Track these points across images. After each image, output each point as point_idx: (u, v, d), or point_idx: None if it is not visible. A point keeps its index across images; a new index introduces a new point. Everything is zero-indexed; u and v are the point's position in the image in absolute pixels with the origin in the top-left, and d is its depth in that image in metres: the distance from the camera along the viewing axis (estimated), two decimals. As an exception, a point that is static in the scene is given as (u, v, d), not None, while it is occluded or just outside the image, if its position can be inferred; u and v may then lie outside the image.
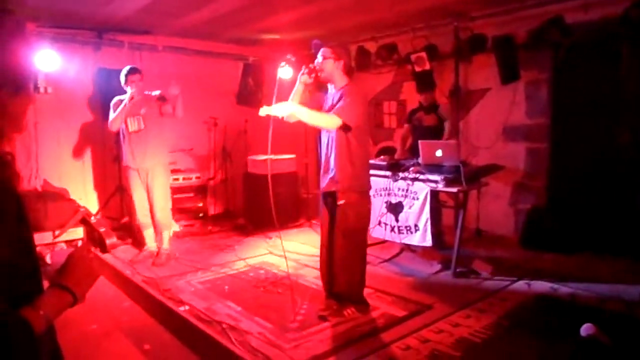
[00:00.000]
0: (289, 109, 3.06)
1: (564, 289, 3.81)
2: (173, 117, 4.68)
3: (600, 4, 4.44)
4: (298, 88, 3.29)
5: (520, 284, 3.96)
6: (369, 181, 3.42)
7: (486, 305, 3.54)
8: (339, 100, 3.18)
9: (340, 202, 3.22)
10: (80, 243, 4.80)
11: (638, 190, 4.50)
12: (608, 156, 4.68)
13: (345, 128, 3.13)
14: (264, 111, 3.09)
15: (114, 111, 4.65)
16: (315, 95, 3.44)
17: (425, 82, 5.31)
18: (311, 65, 3.24)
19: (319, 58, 3.26)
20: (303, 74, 3.24)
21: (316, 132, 6.58)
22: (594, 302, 3.54)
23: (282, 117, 3.13)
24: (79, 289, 1.06)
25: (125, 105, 4.57)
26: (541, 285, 3.89)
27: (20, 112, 1.01)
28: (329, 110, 3.23)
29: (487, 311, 3.43)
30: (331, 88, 3.36)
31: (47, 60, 5.17)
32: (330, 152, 3.29)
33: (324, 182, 3.37)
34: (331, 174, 3.27)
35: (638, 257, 4.27)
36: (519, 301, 3.60)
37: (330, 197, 3.36)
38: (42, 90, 5.43)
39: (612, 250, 4.48)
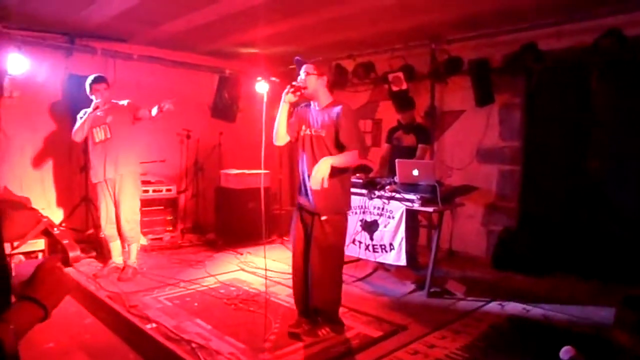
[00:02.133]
0: (327, 168, 2.92)
1: (536, 310, 3.83)
2: (149, 119, 4.55)
3: (573, 32, 4.58)
4: (283, 107, 3.23)
5: (494, 305, 3.96)
6: (350, 200, 3.39)
7: (461, 326, 3.51)
8: (335, 121, 3.11)
9: (323, 217, 3.15)
10: (41, 255, 4.56)
11: (606, 214, 4.61)
12: (578, 179, 4.80)
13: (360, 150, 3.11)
14: (314, 184, 2.93)
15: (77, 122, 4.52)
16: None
17: (403, 101, 5.34)
18: (295, 83, 3.17)
19: (302, 75, 3.19)
20: (288, 92, 3.16)
21: (290, 148, 6.60)
22: (566, 323, 3.56)
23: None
24: (50, 302, 0.97)
25: (88, 115, 4.42)
26: (514, 307, 3.91)
27: None
28: (313, 120, 3.22)
29: (462, 332, 3.40)
30: (314, 105, 3.29)
31: (13, 63, 4.97)
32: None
33: (304, 199, 3.28)
34: (314, 193, 3.14)
35: (607, 279, 4.35)
36: (493, 322, 3.58)
37: (308, 213, 3.28)
38: (7, 94, 5.22)
39: (581, 272, 4.56)
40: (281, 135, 3.30)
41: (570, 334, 3.34)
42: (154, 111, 4.46)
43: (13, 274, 1.02)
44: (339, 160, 3.01)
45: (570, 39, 4.60)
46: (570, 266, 4.67)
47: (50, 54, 5.52)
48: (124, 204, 4.58)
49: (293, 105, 3.31)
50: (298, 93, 3.15)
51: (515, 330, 3.49)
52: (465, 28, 5.16)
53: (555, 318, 3.67)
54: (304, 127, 3.29)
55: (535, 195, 5.12)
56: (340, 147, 3.09)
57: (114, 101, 4.62)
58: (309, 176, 3.08)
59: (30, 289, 0.97)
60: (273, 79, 3.49)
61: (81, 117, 4.52)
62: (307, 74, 3.17)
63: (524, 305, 3.91)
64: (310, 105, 3.33)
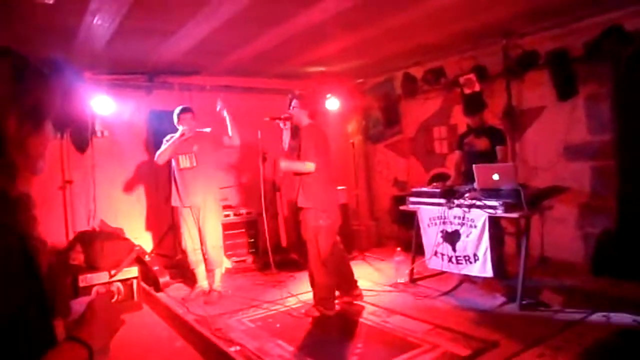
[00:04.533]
0: (283, 167, 4.24)
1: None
2: (232, 144, 4.87)
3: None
4: (285, 133, 4.34)
5: (597, 317, 3.59)
6: (325, 200, 4.11)
7: (560, 341, 3.21)
8: (300, 140, 4.19)
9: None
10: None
11: None
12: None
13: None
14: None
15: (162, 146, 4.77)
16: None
17: (472, 104, 5.09)
18: (283, 116, 4.28)
19: (292, 107, 4.25)
20: (282, 123, 4.30)
21: (365, 164, 6.60)
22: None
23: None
24: (97, 342, 0.95)
25: (174, 140, 4.66)
26: (622, 318, 3.51)
27: (36, 151, 0.96)
28: (295, 145, 4.28)
29: (563, 348, 3.10)
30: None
31: (103, 105, 5.41)
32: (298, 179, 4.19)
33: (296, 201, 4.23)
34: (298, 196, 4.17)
35: None
36: (599, 336, 3.24)
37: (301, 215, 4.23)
38: (99, 134, 5.68)
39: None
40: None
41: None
42: (233, 131, 4.82)
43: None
44: (290, 165, 4.22)
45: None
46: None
47: (133, 93, 5.93)
48: (208, 230, 4.76)
49: (291, 130, 4.34)
50: (287, 122, 4.30)
51: (625, 346, 3.12)
52: (538, 18, 4.82)
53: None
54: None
55: (635, 191, 4.61)
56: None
57: (199, 130, 4.84)
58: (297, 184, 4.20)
59: (77, 328, 0.97)
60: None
61: (167, 141, 4.78)
62: (294, 107, 4.24)
63: (634, 317, 3.50)
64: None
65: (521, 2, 4.32)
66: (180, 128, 4.72)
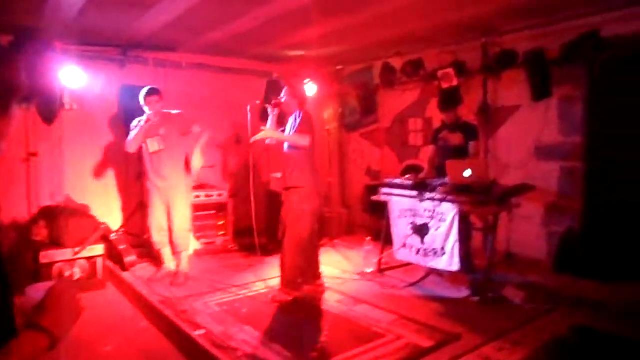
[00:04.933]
0: (269, 135, 4.19)
1: (604, 320, 3.54)
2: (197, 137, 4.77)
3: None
4: (271, 118, 4.32)
5: (557, 313, 3.70)
6: (311, 184, 4.17)
7: (520, 336, 3.30)
8: (295, 122, 4.16)
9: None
10: (100, 260, 4.73)
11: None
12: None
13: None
14: (253, 139, 4.25)
15: (131, 131, 4.66)
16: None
17: (449, 98, 5.12)
18: (274, 102, 4.34)
19: (283, 95, 4.32)
20: (272, 108, 4.33)
21: (340, 151, 6.59)
22: (638, 336, 3.27)
23: (266, 141, 4.30)
24: (58, 330, 0.92)
25: (141, 127, 4.55)
26: (580, 316, 3.63)
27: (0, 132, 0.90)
28: (291, 128, 4.21)
29: (522, 343, 3.19)
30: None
31: (73, 77, 5.21)
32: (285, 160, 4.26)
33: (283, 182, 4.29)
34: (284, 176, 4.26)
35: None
36: (557, 332, 3.34)
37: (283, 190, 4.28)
38: (67, 106, 5.48)
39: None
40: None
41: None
42: (202, 142, 4.78)
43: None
44: (282, 135, 4.21)
45: (637, 22, 4.23)
46: (641, 271, 4.30)
47: (106, 66, 5.73)
48: (176, 213, 4.70)
49: (278, 116, 4.35)
50: (277, 108, 4.34)
51: (580, 342, 3.23)
52: (518, 18, 4.87)
53: (626, 329, 3.37)
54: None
55: (601, 193, 4.74)
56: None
57: (166, 111, 4.73)
58: (282, 165, 4.31)
59: (38, 315, 0.93)
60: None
61: (134, 127, 4.66)
62: (284, 94, 4.29)
63: (591, 314, 3.63)
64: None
65: (502, 0, 4.34)
66: (147, 111, 4.60)
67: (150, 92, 4.64)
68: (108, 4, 4.27)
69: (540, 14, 4.76)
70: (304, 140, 4.03)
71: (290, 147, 4.18)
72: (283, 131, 4.37)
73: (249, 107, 4.76)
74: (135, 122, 4.70)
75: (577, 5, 4.46)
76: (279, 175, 6.18)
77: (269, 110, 4.35)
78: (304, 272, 4.25)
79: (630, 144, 4.54)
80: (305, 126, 4.10)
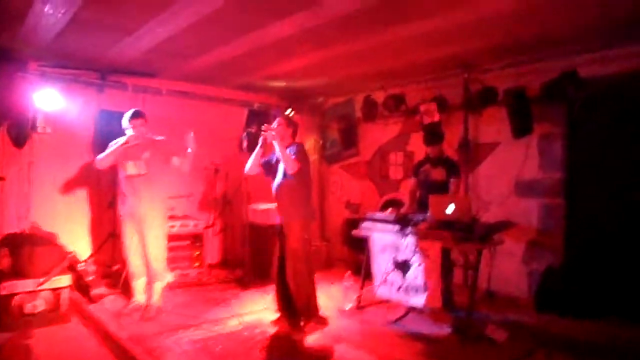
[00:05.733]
0: (274, 138, 4.09)
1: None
2: (180, 168, 4.63)
3: (619, 57, 4.33)
4: (261, 146, 4.29)
5: (540, 354, 3.61)
6: (309, 213, 4.31)
7: (505, 379, 3.20)
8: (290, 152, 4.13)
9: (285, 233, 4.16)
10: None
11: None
12: (629, 213, 4.44)
13: (298, 173, 4.06)
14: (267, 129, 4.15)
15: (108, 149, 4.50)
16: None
17: (433, 134, 5.13)
18: (271, 132, 4.16)
19: (275, 125, 4.26)
20: (264, 136, 4.19)
21: (319, 185, 6.52)
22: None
23: (268, 140, 4.17)
24: None
25: (118, 147, 4.40)
26: (563, 356, 3.55)
27: None
28: (277, 161, 4.24)
29: (507, 387, 3.08)
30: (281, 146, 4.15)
31: (48, 99, 5.06)
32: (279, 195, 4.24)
33: (278, 219, 4.28)
34: (280, 213, 4.24)
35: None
36: (541, 375, 3.25)
37: (280, 229, 4.26)
38: (40, 129, 5.29)
39: (636, 316, 4.16)
40: (254, 168, 4.38)
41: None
42: (188, 160, 4.62)
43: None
44: (284, 150, 4.06)
45: (616, 64, 4.34)
46: (622, 310, 4.27)
47: (83, 90, 5.59)
48: (150, 242, 4.51)
49: (266, 147, 4.30)
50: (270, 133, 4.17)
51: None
52: (500, 56, 4.95)
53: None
54: (274, 165, 4.32)
55: (581, 231, 4.76)
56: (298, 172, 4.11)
57: (150, 136, 4.60)
58: (275, 199, 4.29)
59: None
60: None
61: (111, 146, 4.50)
62: (279, 124, 4.25)
63: (573, 354, 3.55)
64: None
65: (486, 38, 4.42)
66: (128, 133, 4.46)
67: (136, 115, 4.51)
68: (88, 28, 4.18)
69: (519, 53, 4.85)
70: (293, 166, 4.03)
71: (288, 177, 4.13)
72: (268, 160, 4.37)
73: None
74: (113, 143, 4.53)
75: (556, 45, 4.57)
76: (260, 206, 6.07)
77: (266, 137, 4.22)
78: (314, 298, 4.25)
79: (609, 180, 4.60)
80: (301, 156, 4.13)
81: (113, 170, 4.82)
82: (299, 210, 4.14)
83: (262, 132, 4.19)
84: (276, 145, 4.09)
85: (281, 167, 4.20)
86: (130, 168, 4.50)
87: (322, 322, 4.22)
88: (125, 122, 4.50)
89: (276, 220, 5.65)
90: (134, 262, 4.54)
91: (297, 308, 4.11)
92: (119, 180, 4.60)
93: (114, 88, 5.77)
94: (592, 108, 4.58)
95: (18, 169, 5.22)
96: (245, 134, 6.24)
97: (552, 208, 4.99)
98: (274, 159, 4.32)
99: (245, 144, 6.13)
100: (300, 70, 5.65)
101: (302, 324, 4.12)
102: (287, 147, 4.16)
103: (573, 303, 4.47)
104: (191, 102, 6.43)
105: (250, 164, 4.35)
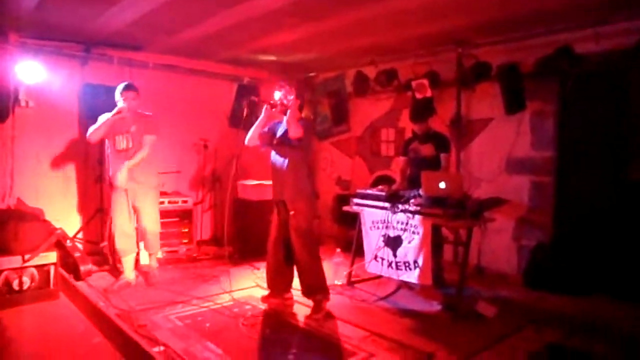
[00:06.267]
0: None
1: (575, 336, 3.50)
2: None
3: (612, 35, 4.26)
4: (263, 117, 4.10)
5: (529, 329, 3.64)
6: (313, 191, 4.32)
7: (494, 354, 3.22)
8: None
9: (291, 212, 3.97)
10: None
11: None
12: (619, 192, 4.45)
13: (299, 140, 3.92)
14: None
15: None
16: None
17: (422, 109, 5.01)
18: (272, 102, 4.13)
19: (280, 95, 4.16)
20: (267, 108, 4.09)
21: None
22: (611, 352, 3.23)
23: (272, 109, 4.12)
24: None
25: (108, 118, 4.30)
26: (552, 332, 3.58)
27: None
28: (284, 133, 4.03)
29: (496, 362, 3.10)
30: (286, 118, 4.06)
31: (29, 72, 4.91)
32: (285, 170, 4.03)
33: (280, 194, 4.07)
34: (285, 188, 4.02)
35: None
36: (531, 350, 3.27)
37: (282, 205, 4.07)
38: (22, 103, 5.15)
39: (623, 293, 4.20)
40: (253, 140, 4.12)
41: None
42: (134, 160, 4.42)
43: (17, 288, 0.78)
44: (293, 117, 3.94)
45: (610, 41, 4.28)
46: (610, 286, 4.32)
47: (66, 62, 5.43)
48: (146, 215, 4.53)
49: (269, 118, 4.14)
50: (275, 109, 4.10)
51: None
52: (494, 31, 4.87)
53: (598, 346, 3.34)
54: (276, 138, 4.14)
55: (571, 208, 4.77)
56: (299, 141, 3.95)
57: (140, 111, 4.53)
58: (278, 174, 4.08)
59: None
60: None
61: (100, 119, 4.40)
62: (289, 94, 4.10)
63: (563, 330, 3.59)
64: (279, 122, 4.18)
65: (480, 13, 4.33)
66: (119, 105, 4.36)
67: (128, 87, 4.44)
68: (69, -3, 4.02)
69: (513, 29, 4.78)
70: (298, 131, 3.87)
71: (292, 152, 3.99)
72: (268, 131, 4.19)
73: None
74: (102, 116, 4.42)
75: (550, 21, 4.49)
76: (249, 182, 6.01)
77: (268, 109, 4.10)
78: (276, 285, 4.21)
79: (599, 158, 4.59)
80: (306, 127, 4.01)
81: (100, 145, 4.71)
82: (306, 188, 4.06)
83: (267, 103, 4.09)
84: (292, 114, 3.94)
85: (284, 144, 4.05)
86: (119, 142, 4.44)
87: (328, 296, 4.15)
88: (117, 94, 4.41)
89: (266, 196, 5.68)
90: (123, 238, 4.49)
91: (312, 286, 4.02)
92: (106, 154, 4.51)
93: (98, 61, 5.61)
94: (584, 85, 4.53)
95: (1, 144, 5.09)
96: (236, 105, 6.13)
97: (543, 185, 4.98)
98: (277, 129, 4.16)
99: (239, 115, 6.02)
100: (289, 44, 5.52)
101: (319, 300, 4.00)
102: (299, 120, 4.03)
103: (562, 279, 4.51)
104: (178, 76, 6.29)
105: (251, 134, 4.12)
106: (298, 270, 4.11)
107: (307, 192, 4.08)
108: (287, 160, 4.01)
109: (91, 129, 4.39)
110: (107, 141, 4.60)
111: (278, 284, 4.21)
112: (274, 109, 4.10)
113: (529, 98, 4.83)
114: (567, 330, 3.61)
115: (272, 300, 4.20)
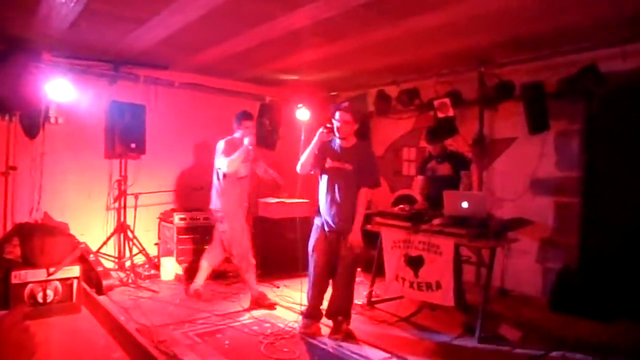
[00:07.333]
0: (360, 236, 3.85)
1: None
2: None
3: (639, 52, 4.20)
4: (316, 141, 3.85)
5: (555, 356, 3.53)
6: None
7: (519, 380, 3.12)
8: (358, 155, 3.86)
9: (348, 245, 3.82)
10: (75, 282, 4.47)
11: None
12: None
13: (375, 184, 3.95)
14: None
15: (224, 153, 4.47)
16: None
17: (436, 131, 4.96)
18: (329, 125, 3.84)
19: (339, 122, 3.80)
20: (322, 132, 3.83)
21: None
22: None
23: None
24: None
25: (244, 149, 4.46)
26: (580, 359, 3.46)
27: None
28: (339, 155, 3.86)
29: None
30: (340, 142, 3.90)
31: (60, 90, 5.05)
32: (340, 197, 3.83)
33: (328, 220, 3.89)
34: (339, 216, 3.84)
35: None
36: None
37: (332, 233, 3.88)
38: (52, 120, 5.30)
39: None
40: (307, 166, 3.89)
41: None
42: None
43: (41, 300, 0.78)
44: (360, 217, 3.82)
45: (637, 60, 4.21)
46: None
47: (95, 81, 5.59)
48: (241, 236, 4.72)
49: (322, 142, 3.89)
50: (330, 134, 3.84)
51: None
52: (517, 50, 4.85)
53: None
54: (329, 161, 3.89)
55: (598, 230, 4.63)
56: (359, 179, 3.82)
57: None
58: (331, 201, 3.86)
59: None
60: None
61: (227, 145, 4.51)
62: (346, 122, 3.79)
63: (592, 358, 3.46)
64: (332, 142, 3.93)
65: (502, 32, 4.32)
66: (237, 134, 4.59)
67: (248, 117, 4.68)
68: (101, 18, 4.16)
69: (537, 48, 4.75)
70: (367, 194, 3.90)
71: (347, 177, 3.81)
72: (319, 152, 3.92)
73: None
74: (222, 144, 4.53)
75: (576, 40, 4.45)
76: (270, 200, 6.03)
77: (319, 134, 3.85)
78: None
79: (627, 180, 4.47)
80: (375, 168, 3.96)
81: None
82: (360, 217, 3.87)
83: (324, 133, 3.81)
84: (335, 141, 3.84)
85: (342, 172, 3.84)
86: (241, 170, 4.62)
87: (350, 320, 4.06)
88: (237, 121, 4.61)
89: (287, 214, 5.69)
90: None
91: (340, 309, 3.94)
92: (218, 181, 4.64)
93: (126, 79, 5.76)
94: (611, 104, 4.45)
95: (30, 160, 5.24)
96: (259, 124, 6.21)
97: (568, 207, 4.88)
98: (328, 148, 3.92)
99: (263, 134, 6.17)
100: (312, 63, 5.59)
101: (340, 321, 3.92)
102: (351, 147, 3.86)
103: (589, 304, 4.36)
104: (203, 94, 6.40)
105: (304, 161, 3.87)
106: (333, 294, 4.00)
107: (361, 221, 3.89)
108: (342, 187, 3.82)
109: (230, 159, 4.41)
110: (218, 170, 4.63)
111: (319, 310, 4.05)
112: (329, 134, 3.85)
113: (553, 117, 4.77)
114: (595, 358, 3.48)
115: (315, 325, 4.01)
